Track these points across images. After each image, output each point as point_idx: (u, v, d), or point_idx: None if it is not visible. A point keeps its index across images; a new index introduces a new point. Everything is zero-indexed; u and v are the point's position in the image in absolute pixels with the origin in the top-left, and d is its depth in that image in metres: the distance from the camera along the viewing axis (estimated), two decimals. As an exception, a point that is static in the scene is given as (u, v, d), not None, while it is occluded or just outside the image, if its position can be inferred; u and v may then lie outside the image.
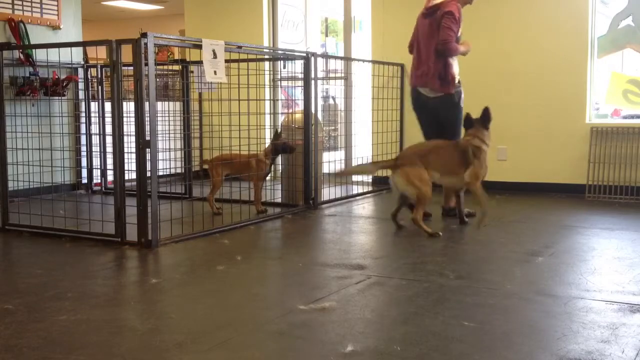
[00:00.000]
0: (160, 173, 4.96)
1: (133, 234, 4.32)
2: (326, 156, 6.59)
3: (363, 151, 7.27)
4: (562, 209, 5.74)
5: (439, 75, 5.23)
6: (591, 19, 6.39)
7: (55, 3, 6.58)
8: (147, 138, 4.20)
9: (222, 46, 4.70)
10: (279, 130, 5.73)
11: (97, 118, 6.66)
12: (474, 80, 6.48)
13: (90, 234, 4.58)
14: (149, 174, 4.26)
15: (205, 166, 5.79)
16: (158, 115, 5.26)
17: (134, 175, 4.36)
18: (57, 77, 6.28)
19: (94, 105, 6.78)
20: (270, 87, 7.64)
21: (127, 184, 4.49)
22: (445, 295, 3.27)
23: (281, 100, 8.13)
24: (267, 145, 5.63)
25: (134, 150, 4.26)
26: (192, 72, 6.70)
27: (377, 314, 3.04)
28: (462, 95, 5.48)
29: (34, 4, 6.38)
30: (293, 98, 8.19)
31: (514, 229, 5.03)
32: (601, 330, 2.71)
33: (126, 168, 4.47)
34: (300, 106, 6.59)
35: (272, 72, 7.67)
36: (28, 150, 5.76)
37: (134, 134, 4.24)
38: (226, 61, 4.76)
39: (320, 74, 6.68)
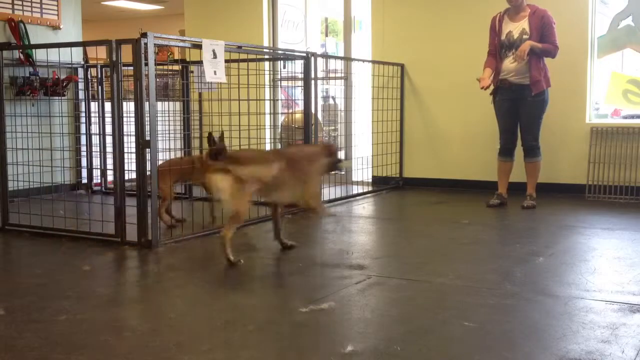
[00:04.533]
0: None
1: (133, 234, 4.32)
2: (326, 156, 6.58)
3: (363, 151, 7.27)
4: (562, 209, 5.74)
5: None
6: (591, 19, 6.39)
7: (55, 3, 6.58)
8: (147, 138, 4.20)
9: (222, 46, 4.70)
10: (212, 134, 4.64)
11: (97, 118, 6.66)
12: (474, 81, 6.47)
13: (90, 234, 4.58)
14: (149, 174, 4.27)
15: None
16: (158, 115, 5.26)
17: (134, 175, 4.36)
18: (57, 77, 6.28)
19: (94, 105, 6.78)
20: (270, 87, 7.64)
21: (127, 184, 4.49)
22: (445, 295, 3.27)
23: (281, 100, 8.12)
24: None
25: (134, 150, 4.26)
26: (192, 72, 6.70)
27: (377, 314, 3.04)
28: (497, 98, 5.86)
29: (34, 4, 6.38)
30: (293, 98, 8.19)
31: (514, 229, 5.03)
32: (601, 330, 2.71)
33: (126, 168, 4.47)
34: (300, 106, 6.59)
35: (272, 72, 7.67)
36: (28, 150, 5.76)
37: (134, 134, 4.24)
38: (226, 61, 4.76)
39: (320, 74, 6.68)
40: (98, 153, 6.73)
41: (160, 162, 4.84)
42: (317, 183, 4.01)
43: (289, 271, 3.86)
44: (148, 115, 4.20)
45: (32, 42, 6.21)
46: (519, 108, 5.71)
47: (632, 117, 6.40)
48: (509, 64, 5.65)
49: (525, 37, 5.56)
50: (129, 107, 4.50)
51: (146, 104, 4.19)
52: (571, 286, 3.37)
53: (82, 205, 5.64)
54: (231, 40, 5.42)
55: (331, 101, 8.69)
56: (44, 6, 6.47)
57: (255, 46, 6.62)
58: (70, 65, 6.39)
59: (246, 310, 3.09)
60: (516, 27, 5.62)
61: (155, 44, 4.29)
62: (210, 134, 4.56)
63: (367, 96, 7.37)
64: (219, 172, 3.73)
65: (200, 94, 6.97)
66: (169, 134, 6.71)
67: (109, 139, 4.91)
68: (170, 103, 7.29)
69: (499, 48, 5.70)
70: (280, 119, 7.54)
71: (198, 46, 4.63)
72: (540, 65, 5.61)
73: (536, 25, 5.55)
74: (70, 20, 6.73)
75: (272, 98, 7.63)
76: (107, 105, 5.99)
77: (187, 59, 6.32)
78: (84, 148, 6.70)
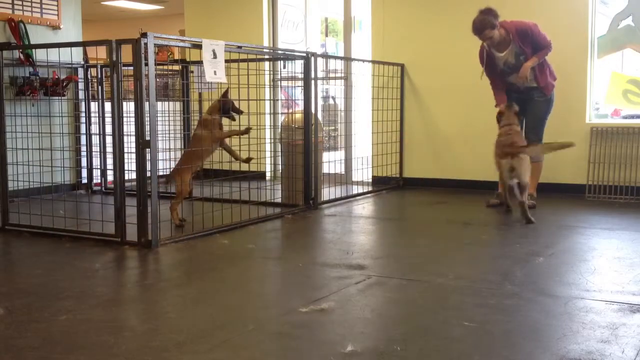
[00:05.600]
0: (160, 173, 4.95)
1: (133, 234, 4.32)
2: (326, 156, 6.59)
3: (363, 151, 7.27)
4: (562, 209, 5.74)
5: None
6: (591, 19, 6.39)
7: (55, 3, 6.58)
8: (147, 138, 4.20)
9: (222, 46, 4.70)
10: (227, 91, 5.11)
11: (97, 118, 6.66)
12: (474, 81, 6.47)
13: (90, 234, 4.58)
14: (149, 174, 4.27)
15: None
16: (158, 115, 5.26)
17: (134, 175, 4.36)
18: (57, 77, 6.28)
19: (94, 105, 6.78)
20: (270, 87, 7.64)
21: (127, 184, 4.49)
22: (445, 295, 3.27)
23: (281, 100, 8.13)
24: (211, 104, 5.16)
25: (134, 150, 4.26)
26: (192, 72, 6.70)
27: (377, 314, 3.04)
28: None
29: (34, 4, 6.38)
30: (293, 98, 8.19)
31: (514, 229, 5.03)
32: (601, 330, 2.71)
33: (126, 168, 4.47)
34: (300, 106, 6.59)
35: (272, 72, 7.67)
36: (28, 150, 5.76)
37: (134, 134, 4.24)
38: (226, 61, 4.76)
39: (320, 74, 6.68)
40: (98, 153, 6.73)
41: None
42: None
43: (289, 271, 3.86)
44: (148, 115, 4.20)
45: (32, 42, 6.20)
46: (526, 108, 5.73)
47: (632, 117, 6.40)
48: (515, 76, 5.68)
49: (522, 57, 5.57)
50: (129, 107, 4.50)
51: (146, 104, 4.19)
52: (571, 286, 3.38)
53: (82, 205, 5.64)
54: (231, 40, 5.42)
55: (331, 101, 8.70)
56: (44, 6, 6.47)
57: (255, 46, 6.62)
58: (70, 65, 6.39)
59: (246, 310, 3.09)
60: (507, 54, 5.61)
61: (155, 44, 4.29)
62: (227, 90, 5.07)
63: (367, 96, 7.37)
64: (519, 155, 5.11)
65: (200, 94, 6.97)
66: (169, 134, 6.71)
67: (109, 139, 4.92)
68: (170, 103, 7.30)
69: (501, 74, 5.72)
70: (280, 119, 7.54)
71: (198, 46, 4.64)
72: (544, 67, 5.65)
73: (525, 43, 5.53)
74: (70, 20, 6.73)
75: (272, 98, 7.63)
76: (107, 105, 6.00)
77: (187, 59, 6.33)
78: (84, 148, 6.70)
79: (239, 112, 5.17)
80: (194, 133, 5.18)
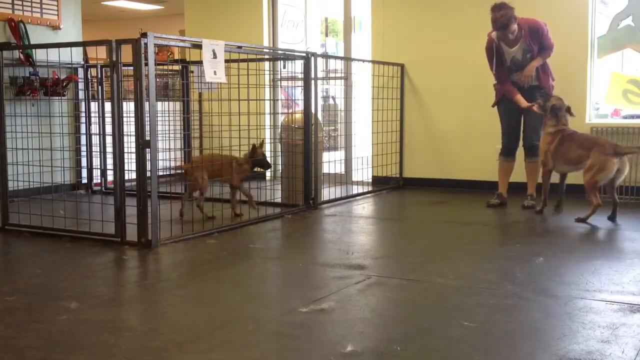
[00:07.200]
0: (160, 173, 4.95)
1: (133, 234, 4.32)
2: (326, 156, 6.59)
3: (363, 151, 7.27)
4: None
5: None
6: (591, 19, 6.39)
7: (55, 3, 6.58)
8: (147, 138, 4.20)
9: (222, 46, 4.70)
10: (256, 144, 5.36)
11: (97, 118, 6.66)
12: (474, 81, 6.49)
13: (90, 234, 4.58)
14: (149, 174, 4.27)
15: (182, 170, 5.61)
16: (158, 115, 5.26)
17: (134, 175, 4.36)
18: (57, 77, 6.28)
19: (94, 105, 6.78)
20: (270, 87, 7.64)
21: (127, 184, 4.49)
22: (445, 295, 3.28)
23: (281, 100, 8.13)
24: (247, 153, 5.40)
25: (134, 150, 4.26)
26: (192, 72, 6.70)
27: (377, 314, 3.04)
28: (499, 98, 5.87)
29: (34, 4, 6.38)
30: (293, 98, 8.19)
31: (514, 229, 5.03)
32: (601, 330, 2.71)
33: (126, 168, 4.47)
34: (300, 106, 6.59)
35: (272, 72, 7.67)
36: (28, 150, 5.76)
37: (134, 134, 4.25)
38: (226, 61, 4.76)
39: (320, 74, 6.68)
40: (98, 153, 6.73)
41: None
42: None
43: (289, 271, 3.86)
44: (148, 115, 4.20)
45: (32, 42, 6.20)
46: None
47: (632, 117, 6.40)
48: (518, 74, 5.70)
49: (528, 55, 5.60)
50: (129, 107, 4.50)
51: (146, 104, 4.19)
52: (571, 286, 3.38)
53: (82, 205, 5.64)
54: (231, 40, 5.42)
55: (331, 101, 8.69)
56: (44, 6, 6.47)
57: (255, 46, 6.62)
58: (70, 65, 6.39)
59: (246, 310, 3.09)
60: (516, 50, 5.62)
61: (155, 44, 4.29)
62: (254, 145, 5.32)
63: (367, 96, 7.37)
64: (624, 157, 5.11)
65: (200, 94, 6.97)
66: (169, 134, 6.71)
67: (109, 139, 4.91)
68: (170, 103, 7.30)
69: (507, 71, 5.72)
70: (280, 119, 7.54)
71: (198, 46, 4.64)
72: (546, 68, 5.70)
73: (534, 41, 5.57)
74: (70, 20, 6.73)
75: (272, 98, 7.63)
76: (107, 105, 5.99)
77: (187, 59, 6.32)
78: (84, 148, 6.70)
79: (268, 166, 5.48)
80: (233, 158, 5.33)
